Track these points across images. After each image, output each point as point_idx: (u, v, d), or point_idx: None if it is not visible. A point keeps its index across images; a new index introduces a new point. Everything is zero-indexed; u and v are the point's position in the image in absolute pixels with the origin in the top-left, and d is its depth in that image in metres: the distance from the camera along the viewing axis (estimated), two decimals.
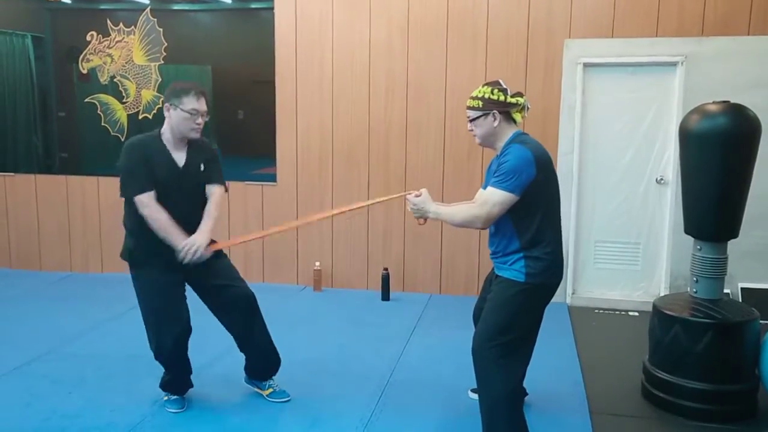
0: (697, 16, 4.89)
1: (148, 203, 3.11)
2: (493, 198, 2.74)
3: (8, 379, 3.80)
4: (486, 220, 2.77)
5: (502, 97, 2.83)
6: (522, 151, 2.75)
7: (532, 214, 2.77)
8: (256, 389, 3.59)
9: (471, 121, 2.90)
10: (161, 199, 3.16)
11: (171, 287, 3.25)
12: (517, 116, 2.88)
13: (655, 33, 4.95)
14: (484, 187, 2.98)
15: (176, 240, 3.12)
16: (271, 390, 3.55)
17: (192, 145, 3.26)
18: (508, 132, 2.86)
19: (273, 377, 3.59)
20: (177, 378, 3.43)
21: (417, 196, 2.94)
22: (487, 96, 2.85)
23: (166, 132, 3.22)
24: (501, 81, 2.92)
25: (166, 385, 3.45)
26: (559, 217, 2.92)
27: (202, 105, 3.17)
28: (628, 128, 5.11)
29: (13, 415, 3.36)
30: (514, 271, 2.81)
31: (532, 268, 2.77)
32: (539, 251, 2.78)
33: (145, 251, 3.21)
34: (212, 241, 3.26)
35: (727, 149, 3.27)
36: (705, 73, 4.86)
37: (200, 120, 3.17)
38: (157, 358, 3.33)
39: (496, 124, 2.84)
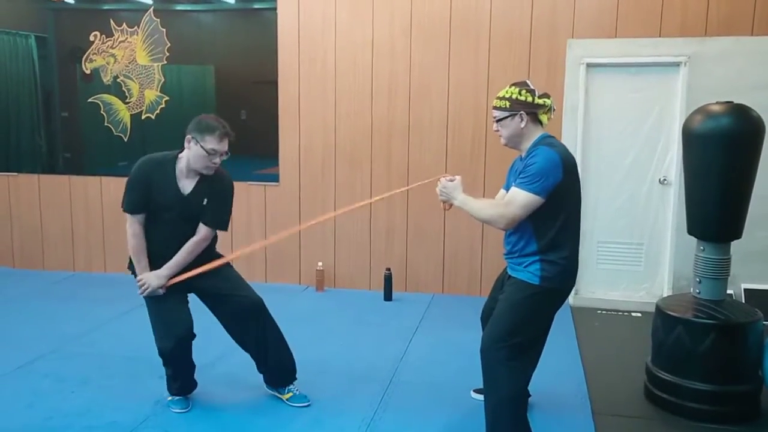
0: (700, 17, 4.88)
1: (131, 223, 3.22)
2: (518, 199, 2.71)
3: (11, 378, 3.81)
4: (510, 220, 2.74)
5: (529, 98, 2.81)
6: (550, 153, 2.72)
7: (554, 218, 2.74)
8: (276, 394, 3.56)
9: (497, 121, 2.87)
10: (156, 221, 3.22)
11: (170, 294, 3.26)
12: (544, 118, 2.86)
13: (658, 33, 4.94)
14: (506, 188, 2.96)
15: (138, 268, 3.25)
16: (290, 394, 3.52)
17: (206, 176, 3.24)
18: (535, 133, 2.84)
19: (293, 383, 3.56)
20: (178, 378, 3.43)
21: (451, 180, 2.91)
22: (514, 97, 2.82)
23: (183, 159, 3.22)
24: (528, 81, 2.89)
25: (170, 386, 3.46)
26: (579, 222, 2.89)
27: (223, 146, 3.15)
28: (631, 128, 5.11)
29: (15, 415, 3.37)
30: (529, 273, 2.79)
31: (547, 272, 2.76)
32: (556, 255, 2.76)
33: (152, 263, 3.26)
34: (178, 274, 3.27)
35: (730, 150, 3.26)
36: (708, 74, 4.85)
37: (217, 159, 3.16)
38: (161, 356, 3.34)
39: (523, 125, 2.82)
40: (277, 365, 3.50)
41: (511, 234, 2.87)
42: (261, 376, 3.57)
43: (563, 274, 2.80)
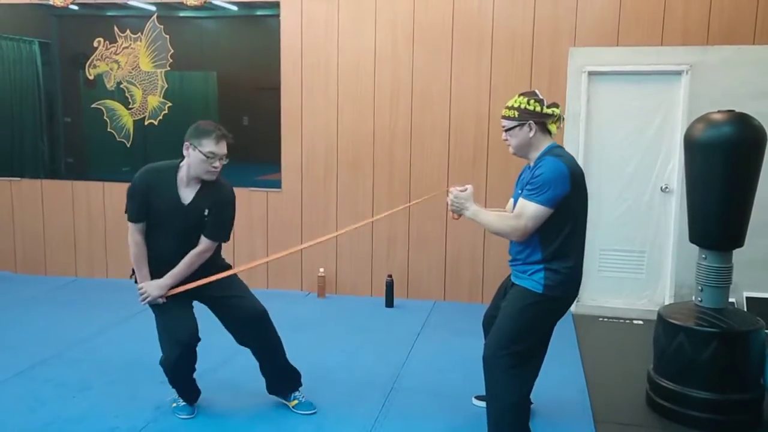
0: (702, 25, 4.89)
1: (132, 232, 3.23)
2: (527, 211, 2.73)
3: (12, 383, 3.81)
4: (522, 233, 2.76)
5: (538, 108, 2.82)
6: (557, 164, 2.73)
7: (561, 228, 2.75)
8: (282, 401, 3.56)
9: (506, 131, 2.88)
10: (156, 230, 3.22)
11: (174, 301, 3.26)
12: (552, 127, 2.88)
13: (660, 42, 4.96)
14: (515, 197, 2.97)
15: (139, 276, 3.26)
16: (296, 401, 3.51)
17: (207, 185, 3.23)
18: (544, 143, 2.85)
19: (298, 389, 3.57)
20: (180, 390, 3.44)
21: (462, 190, 2.90)
22: (523, 106, 2.84)
23: (183, 167, 3.21)
24: (537, 91, 2.91)
25: (177, 393, 3.46)
26: (585, 232, 2.90)
27: (221, 149, 3.14)
28: (632, 137, 5.11)
29: (16, 420, 3.37)
30: (533, 281, 2.80)
31: (550, 281, 2.77)
32: (560, 264, 2.77)
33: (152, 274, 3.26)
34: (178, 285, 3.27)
35: (732, 158, 3.27)
36: (710, 82, 4.86)
37: (217, 163, 3.15)
38: (165, 368, 3.33)
39: (531, 134, 2.83)
40: (276, 374, 3.52)
41: (517, 242, 2.87)
42: (264, 381, 3.57)
43: (567, 283, 2.80)
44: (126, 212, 3.26)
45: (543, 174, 2.71)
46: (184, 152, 3.17)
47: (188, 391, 3.46)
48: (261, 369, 3.53)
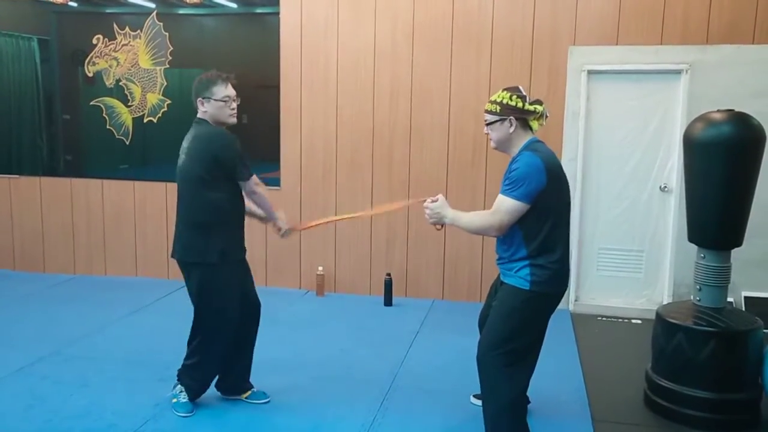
0: (701, 24, 4.89)
1: (258, 182, 3.35)
2: (503, 206, 2.74)
3: (11, 380, 3.81)
4: (499, 228, 2.77)
5: (520, 104, 2.83)
6: (532, 158, 2.74)
7: (542, 223, 2.76)
8: (235, 398, 3.58)
9: (487, 124, 2.90)
10: (235, 186, 3.31)
11: (241, 285, 3.41)
12: (534, 124, 2.88)
13: (659, 41, 4.95)
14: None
15: (277, 213, 3.52)
16: (249, 392, 3.58)
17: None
18: (524, 138, 2.86)
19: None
20: (197, 389, 3.45)
21: (433, 201, 2.93)
22: (505, 101, 2.84)
23: (211, 124, 3.28)
24: (521, 87, 2.92)
25: (189, 388, 3.44)
26: (569, 226, 2.91)
27: (231, 90, 3.27)
28: (632, 135, 5.12)
29: (15, 417, 3.37)
30: (519, 278, 2.80)
31: (537, 276, 2.77)
32: (545, 260, 2.77)
33: (235, 244, 3.41)
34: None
35: (731, 158, 3.27)
36: (709, 82, 4.86)
37: (234, 105, 3.26)
38: (209, 353, 3.37)
39: (511, 130, 2.84)
40: (244, 371, 3.57)
41: (502, 240, 2.89)
42: (224, 383, 3.58)
43: (554, 278, 2.80)
44: (247, 173, 3.26)
45: (518, 169, 2.73)
46: (201, 108, 3.26)
47: (210, 377, 3.50)
48: (228, 366, 3.51)
